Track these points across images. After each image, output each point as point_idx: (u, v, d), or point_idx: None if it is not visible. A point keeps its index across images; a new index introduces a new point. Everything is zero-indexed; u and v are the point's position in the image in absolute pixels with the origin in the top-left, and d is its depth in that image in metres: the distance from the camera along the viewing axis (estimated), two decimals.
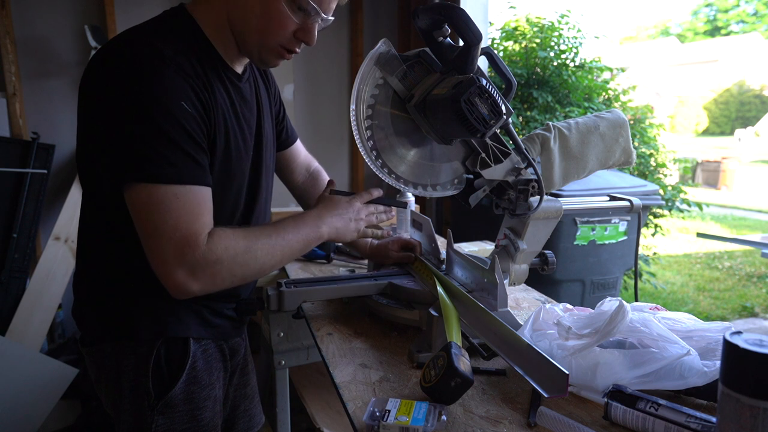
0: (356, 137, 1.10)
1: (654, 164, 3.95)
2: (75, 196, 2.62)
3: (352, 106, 1.09)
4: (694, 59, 28.68)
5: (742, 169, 12.54)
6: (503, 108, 1.01)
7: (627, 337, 0.89)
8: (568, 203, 1.25)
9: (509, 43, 3.91)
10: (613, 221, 2.48)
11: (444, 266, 1.29)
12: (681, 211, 3.99)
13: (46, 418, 2.25)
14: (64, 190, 2.70)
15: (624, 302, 0.89)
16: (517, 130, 2.76)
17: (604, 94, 3.92)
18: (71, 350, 2.57)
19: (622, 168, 2.40)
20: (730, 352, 0.61)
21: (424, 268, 1.27)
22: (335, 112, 3.46)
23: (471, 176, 1.20)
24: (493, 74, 2.70)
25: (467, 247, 1.98)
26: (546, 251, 1.25)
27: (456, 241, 1.55)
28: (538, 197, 1.16)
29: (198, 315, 1.06)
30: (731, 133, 21.34)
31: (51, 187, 2.71)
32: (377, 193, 1.20)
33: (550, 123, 1.23)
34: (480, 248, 1.97)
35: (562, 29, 3.75)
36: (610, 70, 4.10)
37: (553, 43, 3.72)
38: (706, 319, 1.94)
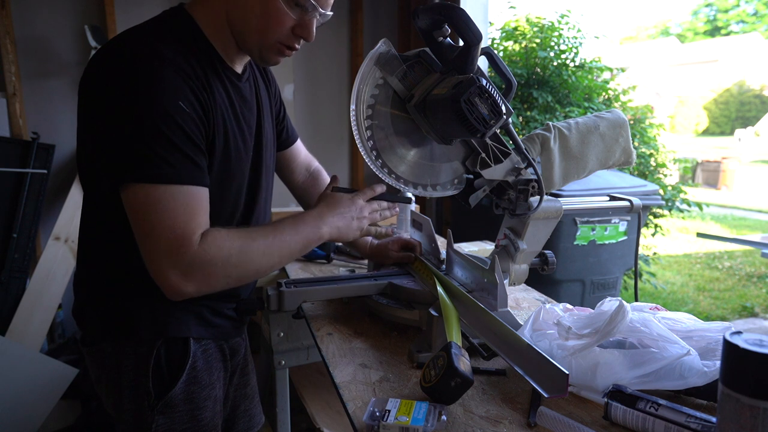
0: (356, 137, 1.10)
1: (654, 164, 3.96)
2: (75, 196, 2.62)
3: (352, 106, 1.09)
4: (694, 59, 28.68)
5: (742, 169, 12.54)
6: (503, 108, 1.01)
7: (627, 337, 0.89)
8: (568, 203, 1.25)
9: (509, 43, 3.91)
10: (613, 221, 2.48)
11: (444, 266, 1.29)
12: (681, 211, 3.99)
13: (46, 418, 2.25)
14: (64, 190, 2.70)
15: (624, 302, 0.89)
16: (517, 130, 2.76)
17: (604, 94, 3.92)
18: (71, 350, 2.57)
19: (622, 168, 2.40)
20: (730, 352, 0.61)
21: (424, 268, 1.27)
22: (335, 112, 3.46)
23: (471, 176, 1.20)
24: (493, 74, 2.70)
25: (467, 247, 1.98)
26: (546, 251, 1.25)
27: (456, 241, 1.55)
28: (538, 197, 1.16)
29: (198, 315, 1.06)
30: (731, 133, 21.34)
31: (51, 187, 2.71)
32: (380, 189, 1.18)
33: (550, 123, 1.23)
34: (480, 248, 1.97)
35: (562, 29, 3.75)
36: (610, 70, 4.10)
37: (553, 43, 3.72)
38: (706, 319, 1.94)
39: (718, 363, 0.79)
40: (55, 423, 2.35)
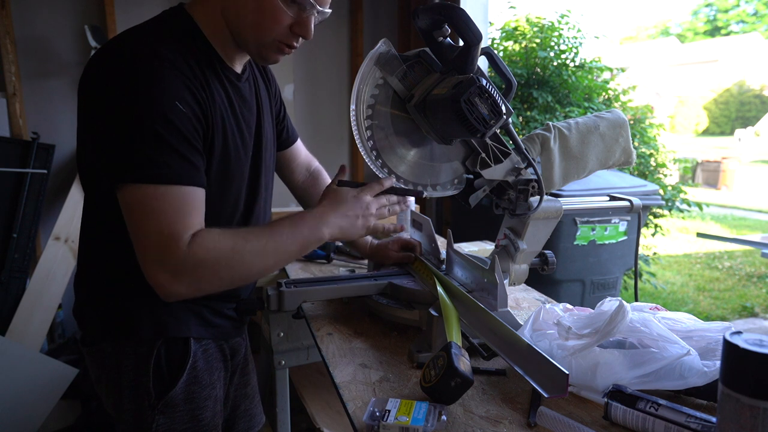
0: (356, 137, 1.10)
1: (654, 164, 3.96)
2: (75, 196, 2.62)
3: (352, 106, 1.09)
4: (694, 59, 28.68)
5: (742, 169, 12.54)
6: (503, 108, 1.01)
7: (627, 337, 0.89)
8: (568, 203, 1.25)
9: (509, 43, 3.91)
10: (613, 221, 2.48)
11: (444, 266, 1.29)
12: (681, 211, 3.99)
13: (46, 418, 2.25)
14: (64, 190, 2.70)
15: (624, 302, 0.89)
16: (517, 130, 2.76)
17: (604, 94, 3.92)
18: (71, 350, 2.57)
19: (622, 168, 2.40)
20: (730, 352, 0.61)
21: (424, 268, 1.27)
22: (335, 112, 3.46)
23: (471, 176, 1.20)
24: (493, 74, 2.70)
25: (467, 247, 1.98)
26: (546, 251, 1.25)
27: (456, 241, 1.55)
28: (538, 197, 1.16)
29: (198, 315, 1.06)
30: (731, 133, 21.34)
31: (51, 187, 2.71)
32: (389, 183, 1.11)
33: (550, 123, 1.23)
34: (480, 248, 1.97)
35: (562, 29, 3.75)
36: (610, 70, 4.10)
37: (553, 43, 3.72)
38: (706, 319, 1.94)
39: (718, 363, 0.79)
40: (55, 423, 2.35)
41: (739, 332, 0.63)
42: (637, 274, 1.34)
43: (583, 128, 1.22)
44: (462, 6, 1.59)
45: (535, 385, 0.77)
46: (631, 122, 3.91)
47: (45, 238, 2.68)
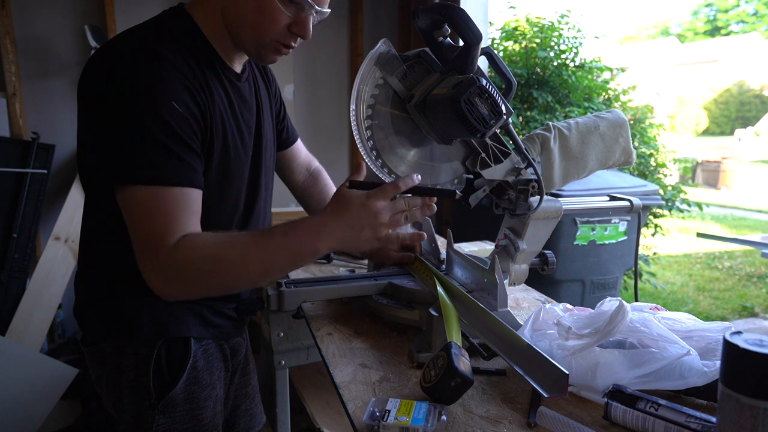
0: (356, 137, 1.10)
1: (654, 164, 3.96)
2: (75, 196, 2.62)
3: (352, 106, 1.09)
4: (694, 59, 28.69)
5: (742, 169, 12.54)
6: (503, 108, 1.01)
7: (627, 337, 0.89)
8: (568, 203, 1.25)
9: (509, 43, 3.91)
10: (613, 221, 2.48)
11: (444, 266, 1.29)
12: (681, 211, 3.99)
13: (46, 418, 2.25)
14: (64, 190, 2.70)
15: (624, 302, 0.89)
16: (517, 130, 2.76)
17: (604, 94, 3.92)
18: (71, 350, 2.57)
19: (622, 168, 2.40)
20: (730, 352, 0.61)
21: (424, 268, 1.27)
22: (335, 112, 3.46)
23: (471, 176, 1.20)
24: (493, 74, 2.70)
25: (467, 247, 1.97)
26: (546, 251, 1.25)
27: (456, 241, 1.55)
28: (538, 197, 1.16)
29: (198, 315, 1.07)
30: (731, 133, 21.34)
31: (51, 187, 2.71)
32: (410, 182, 0.94)
33: (550, 123, 1.23)
34: (480, 248, 1.97)
35: (562, 29, 3.75)
36: (610, 70, 4.10)
37: (553, 43, 3.72)
38: (706, 319, 1.94)
39: (718, 363, 0.79)
40: (55, 423, 2.35)
41: (739, 332, 0.63)
42: (637, 274, 1.34)
43: (583, 128, 1.22)
44: (462, 6, 1.59)
45: (535, 385, 0.77)
46: (631, 122, 3.91)
47: (45, 238, 2.68)
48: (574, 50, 3.76)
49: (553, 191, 1.34)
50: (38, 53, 2.69)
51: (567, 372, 0.72)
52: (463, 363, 0.83)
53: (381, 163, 1.12)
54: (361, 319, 1.23)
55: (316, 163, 1.48)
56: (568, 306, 1.05)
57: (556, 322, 0.97)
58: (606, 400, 0.80)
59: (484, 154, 1.15)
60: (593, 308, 0.98)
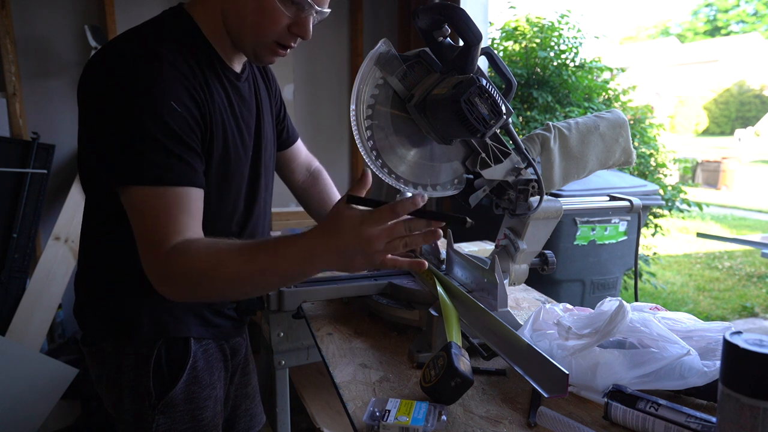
0: (356, 137, 1.10)
1: (654, 164, 3.95)
2: (75, 196, 2.62)
3: (352, 106, 1.09)
4: (694, 59, 28.69)
5: (742, 169, 12.54)
6: (503, 108, 1.01)
7: (627, 337, 0.89)
8: (568, 203, 1.25)
9: (509, 43, 3.91)
10: (613, 221, 2.48)
11: (444, 266, 1.29)
12: (681, 211, 3.99)
13: (46, 418, 2.25)
14: (64, 190, 2.70)
15: (624, 302, 0.89)
16: (517, 130, 2.76)
17: (604, 94, 3.92)
18: (71, 350, 2.57)
19: (622, 168, 2.40)
20: (730, 352, 0.61)
21: None
22: (335, 112, 3.46)
23: (471, 176, 1.20)
24: (493, 74, 2.70)
25: (467, 247, 1.98)
26: (546, 251, 1.25)
27: (456, 241, 1.55)
28: (538, 197, 1.16)
29: (198, 315, 1.07)
30: (731, 133, 21.34)
31: (51, 187, 2.71)
32: (412, 205, 0.80)
33: (550, 123, 1.23)
34: (480, 248, 1.97)
35: (562, 29, 3.75)
36: (610, 70, 4.10)
37: (553, 43, 3.71)
38: (706, 319, 1.94)
39: (718, 363, 0.79)
40: (55, 423, 2.35)
41: (739, 332, 0.63)
42: (637, 274, 1.34)
43: (583, 128, 1.22)
44: (462, 6, 1.59)
45: (535, 385, 0.77)
46: (631, 122, 3.91)
47: (45, 238, 2.68)
48: (574, 50, 3.76)
49: (553, 191, 1.34)
50: (38, 53, 2.69)
51: (567, 372, 0.72)
52: (463, 363, 0.83)
53: (381, 163, 1.12)
54: (361, 319, 1.23)
55: (316, 163, 1.48)
56: (568, 306, 1.05)
57: (556, 322, 0.97)
58: (606, 400, 0.80)
59: (484, 154, 1.15)
60: (593, 308, 0.98)
